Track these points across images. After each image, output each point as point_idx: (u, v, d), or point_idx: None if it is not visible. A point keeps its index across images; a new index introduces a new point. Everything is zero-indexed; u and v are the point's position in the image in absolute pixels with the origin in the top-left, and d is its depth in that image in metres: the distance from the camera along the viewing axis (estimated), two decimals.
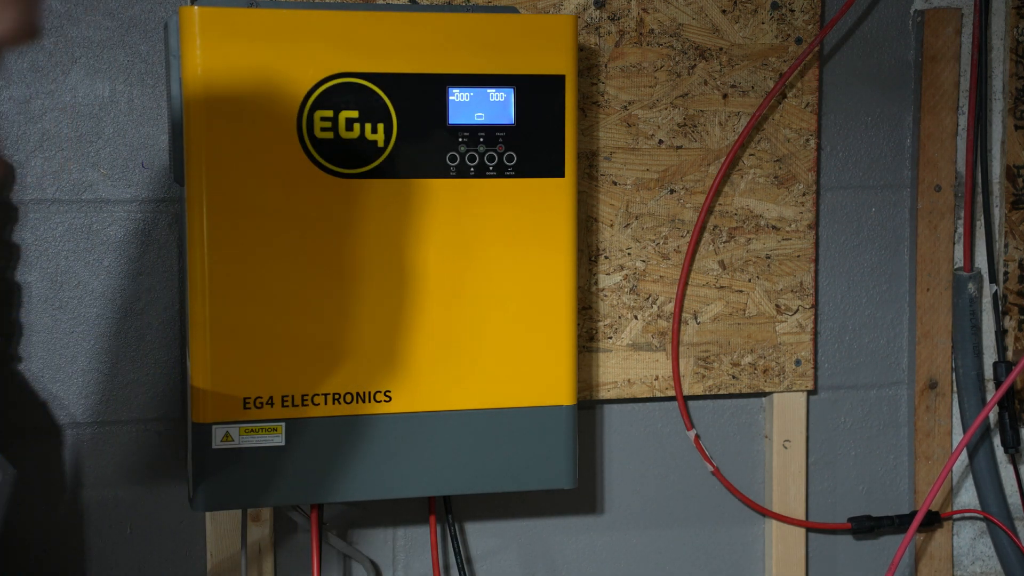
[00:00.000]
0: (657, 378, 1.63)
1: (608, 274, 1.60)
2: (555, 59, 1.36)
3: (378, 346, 1.34)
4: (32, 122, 1.45)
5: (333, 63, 1.30)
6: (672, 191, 1.61)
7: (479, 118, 1.35)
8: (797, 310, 1.66)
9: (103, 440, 1.49)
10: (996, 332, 1.73)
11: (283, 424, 1.32)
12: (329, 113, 1.31)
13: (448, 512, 1.56)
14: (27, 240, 1.46)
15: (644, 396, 1.63)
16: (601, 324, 1.60)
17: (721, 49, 1.61)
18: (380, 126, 1.32)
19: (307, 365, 1.32)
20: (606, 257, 1.60)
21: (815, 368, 1.70)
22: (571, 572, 1.67)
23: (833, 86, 1.69)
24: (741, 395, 1.69)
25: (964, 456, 1.76)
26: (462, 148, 1.34)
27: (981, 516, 1.75)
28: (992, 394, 1.73)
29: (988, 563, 1.78)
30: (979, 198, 1.73)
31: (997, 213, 1.74)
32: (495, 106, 1.35)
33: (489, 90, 1.35)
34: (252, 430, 1.31)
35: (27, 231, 1.46)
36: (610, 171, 1.59)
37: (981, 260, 1.74)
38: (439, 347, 1.35)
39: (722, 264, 1.64)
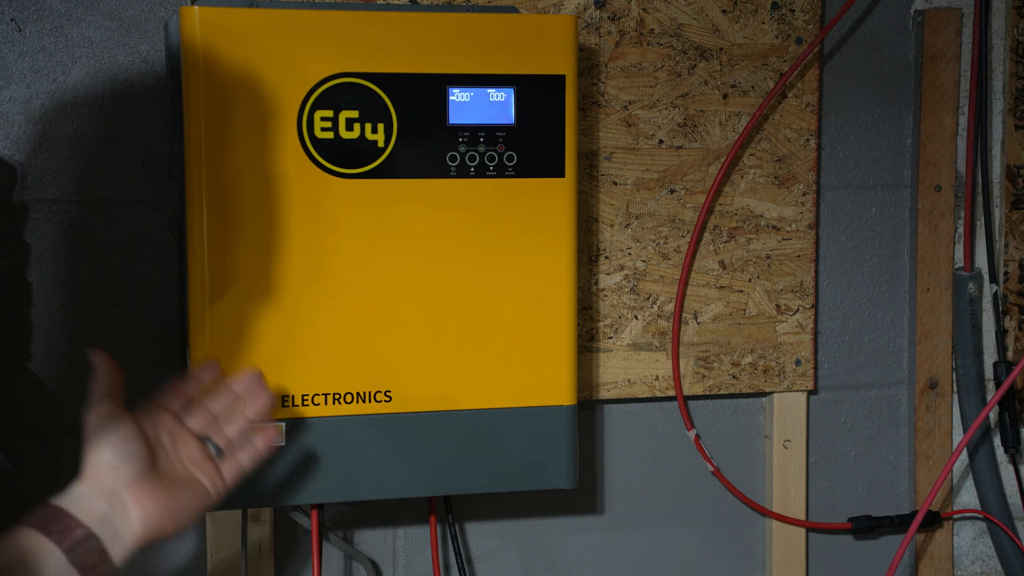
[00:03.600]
0: (657, 378, 1.63)
1: (608, 274, 1.60)
2: (555, 59, 1.36)
3: (378, 346, 1.34)
4: (33, 122, 1.45)
5: (333, 63, 1.30)
6: (672, 191, 1.61)
7: (479, 118, 1.35)
8: (797, 310, 1.66)
9: None
10: (996, 332, 1.73)
11: (283, 424, 1.32)
12: (329, 113, 1.31)
13: (448, 512, 1.56)
14: (28, 240, 1.46)
15: (644, 396, 1.63)
16: (601, 324, 1.60)
17: (721, 49, 1.61)
18: (380, 126, 1.32)
19: (307, 365, 1.32)
20: (606, 257, 1.60)
21: (815, 368, 1.70)
22: (571, 572, 1.67)
23: (833, 86, 1.69)
24: (741, 395, 1.69)
25: (964, 456, 1.76)
26: (462, 148, 1.34)
27: (981, 516, 1.75)
28: (992, 394, 1.73)
29: (988, 563, 1.78)
30: (979, 198, 1.73)
31: (997, 213, 1.74)
32: (495, 106, 1.35)
33: (489, 90, 1.35)
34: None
35: (28, 231, 1.46)
36: (610, 171, 1.59)
37: (981, 260, 1.74)
38: (439, 347, 1.35)
39: (722, 264, 1.64)
